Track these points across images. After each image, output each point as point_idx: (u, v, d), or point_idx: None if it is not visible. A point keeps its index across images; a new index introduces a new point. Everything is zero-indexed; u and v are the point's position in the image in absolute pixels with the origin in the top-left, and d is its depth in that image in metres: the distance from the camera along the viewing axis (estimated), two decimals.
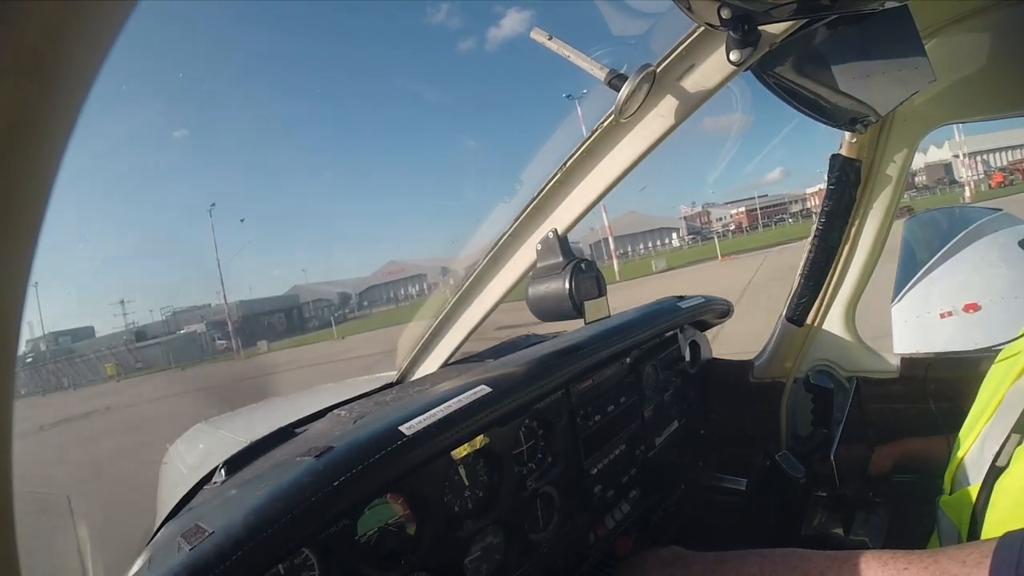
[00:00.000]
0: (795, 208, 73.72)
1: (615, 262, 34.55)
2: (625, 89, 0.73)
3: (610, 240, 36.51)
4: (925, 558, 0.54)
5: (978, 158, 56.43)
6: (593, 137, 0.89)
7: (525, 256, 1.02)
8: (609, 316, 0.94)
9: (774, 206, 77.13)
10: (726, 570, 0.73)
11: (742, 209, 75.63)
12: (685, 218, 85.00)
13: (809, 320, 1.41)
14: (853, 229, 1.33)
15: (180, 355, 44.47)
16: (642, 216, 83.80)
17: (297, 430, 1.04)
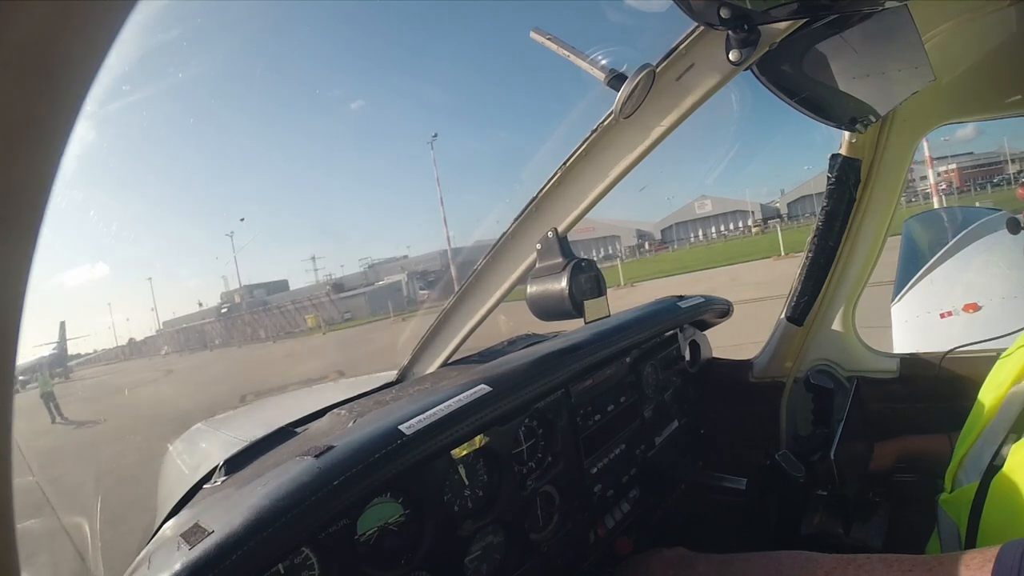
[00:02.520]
0: (1014, 169, 59.06)
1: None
2: (625, 89, 0.73)
3: (930, 174, 23.81)
4: (929, 561, 0.55)
5: None
6: (593, 137, 0.89)
7: (525, 256, 1.02)
8: (609, 316, 0.94)
9: (983, 166, 63.43)
10: (732, 571, 0.73)
11: (953, 166, 61.45)
12: None
13: (809, 320, 1.41)
14: (853, 229, 1.33)
15: (392, 303, 41.99)
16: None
17: (297, 429, 1.04)
